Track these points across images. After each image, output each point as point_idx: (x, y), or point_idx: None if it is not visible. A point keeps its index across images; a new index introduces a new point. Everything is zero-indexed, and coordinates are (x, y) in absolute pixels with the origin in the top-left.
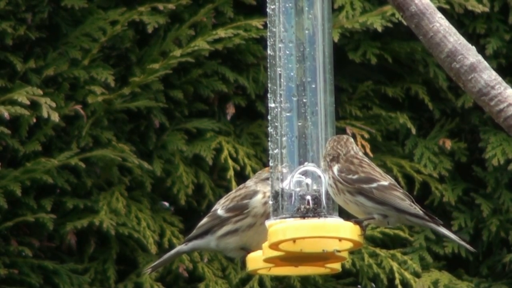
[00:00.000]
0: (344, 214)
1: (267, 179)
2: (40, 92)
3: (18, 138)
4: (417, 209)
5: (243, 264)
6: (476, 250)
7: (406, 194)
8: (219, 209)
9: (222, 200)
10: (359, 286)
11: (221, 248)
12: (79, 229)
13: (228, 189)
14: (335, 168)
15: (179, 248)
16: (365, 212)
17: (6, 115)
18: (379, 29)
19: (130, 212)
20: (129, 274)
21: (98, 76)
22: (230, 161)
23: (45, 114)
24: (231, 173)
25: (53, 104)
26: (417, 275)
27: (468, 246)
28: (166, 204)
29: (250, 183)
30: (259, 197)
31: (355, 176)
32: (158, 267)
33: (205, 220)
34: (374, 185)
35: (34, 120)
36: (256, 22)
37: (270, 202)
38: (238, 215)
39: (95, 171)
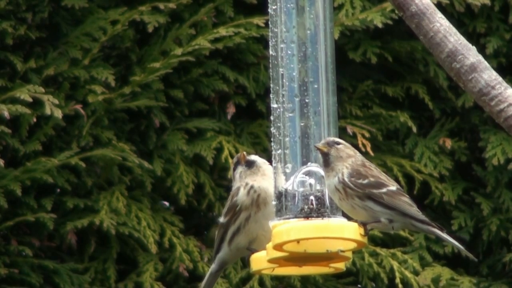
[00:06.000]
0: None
1: (233, 171)
2: (42, 90)
3: (18, 137)
4: (423, 215)
5: (244, 264)
6: (476, 250)
7: (411, 199)
8: (221, 217)
9: (222, 210)
10: (359, 285)
11: (234, 251)
12: (79, 228)
13: (228, 189)
14: (345, 173)
15: (210, 269)
16: (372, 216)
17: (6, 114)
18: (380, 25)
19: (130, 211)
20: (129, 273)
21: (99, 76)
22: (230, 161)
23: (48, 111)
24: (231, 172)
25: (56, 101)
26: (417, 274)
27: (469, 255)
28: (166, 203)
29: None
30: (241, 191)
31: (366, 181)
32: None
33: (216, 233)
34: (384, 190)
35: (35, 120)
36: (257, 20)
37: (274, 203)
38: (234, 215)
39: (95, 170)
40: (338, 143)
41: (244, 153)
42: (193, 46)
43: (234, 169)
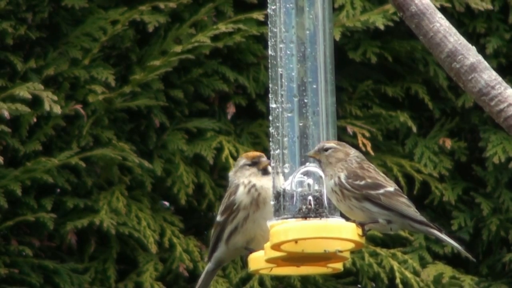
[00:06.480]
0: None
1: (245, 165)
2: (41, 87)
3: (18, 137)
4: (422, 215)
5: (244, 264)
6: (476, 250)
7: (409, 200)
8: (217, 216)
9: (219, 208)
10: (359, 285)
11: (231, 250)
12: (80, 228)
13: None
14: (342, 175)
15: (206, 268)
16: (370, 217)
17: (6, 114)
18: (381, 27)
19: (130, 211)
20: (129, 273)
21: (99, 76)
22: (231, 160)
23: (47, 108)
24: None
25: (55, 98)
26: (417, 274)
27: (468, 255)
28: (166, 203)
29: (231, 175)
30: (241, 189)
31: (363, 182)
32: None
33: (212, 231)
34: (381, 191)
35: (35, 120)
36: (257, 15)
37: (272, 203)
38: (231, 214)
39: (96, 170)
40: (327, 149)
41: (269, 161)
42: (192, 43)
43: (249, 165)
